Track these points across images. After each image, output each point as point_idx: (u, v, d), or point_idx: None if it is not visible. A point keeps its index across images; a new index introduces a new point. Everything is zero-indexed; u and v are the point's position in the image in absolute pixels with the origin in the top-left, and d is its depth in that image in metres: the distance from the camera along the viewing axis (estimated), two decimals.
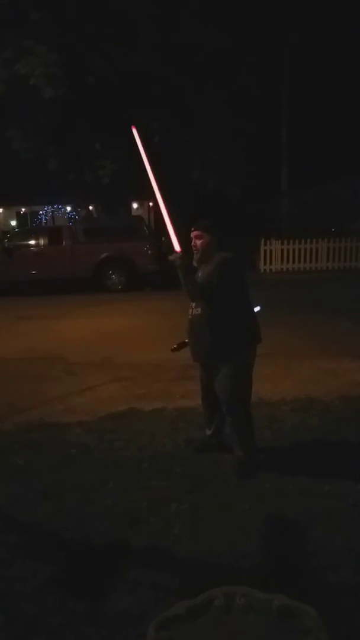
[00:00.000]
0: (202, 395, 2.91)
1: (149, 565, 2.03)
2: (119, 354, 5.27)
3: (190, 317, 2.69)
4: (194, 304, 2.65)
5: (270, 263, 12.74)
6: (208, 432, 2.95)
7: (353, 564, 1.98)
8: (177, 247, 2.52)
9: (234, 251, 2.65)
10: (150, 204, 17.44)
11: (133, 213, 16.62)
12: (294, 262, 12.70)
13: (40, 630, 1.74)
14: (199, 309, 2.61)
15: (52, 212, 18.14)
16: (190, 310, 2.68)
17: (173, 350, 2.80)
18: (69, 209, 18.02)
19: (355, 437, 3.06)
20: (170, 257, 2.53)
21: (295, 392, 3.88)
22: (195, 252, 2.66)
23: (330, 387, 3.99)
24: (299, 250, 12.64)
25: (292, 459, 2.81)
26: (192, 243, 2.67)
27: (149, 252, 10.47)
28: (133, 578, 1.95)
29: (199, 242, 2.64)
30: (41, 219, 18.17)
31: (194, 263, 2.66)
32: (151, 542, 2.17)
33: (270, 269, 12.71)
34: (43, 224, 17.50)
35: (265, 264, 12.71)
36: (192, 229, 2.67)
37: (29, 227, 17.03)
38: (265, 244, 12.68)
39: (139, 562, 2.05)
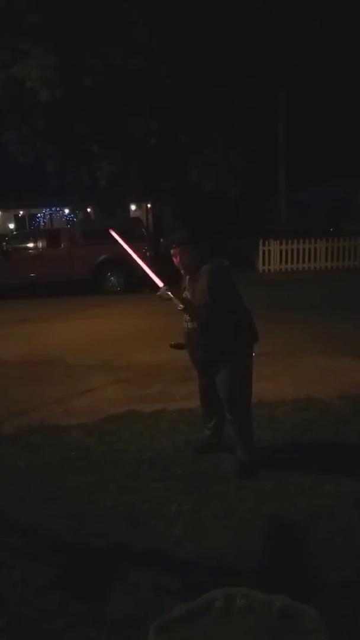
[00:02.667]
0: (201, 396, 2.92)
1: (149, 567, 2.03)
2: (118, 356, 5.26)
3: (185, 330, 2.68)
4: (187, 317, 2.62)
5: (269, 263, 12.74)
6: (207, 432, 2.95)
7: (354, 564, 1.98)
8: (159, 282, 2.57)
9: (215, 255, 2.66)
10: (149, 205, 17.45)
11: (131, 215, 16.62)
12: (292, 262, 12.70)
13: (42, 633, 1.74)
14: (195, 323, 2.59)
15: (50, 214, 18.13)
16: (185, 324, 2.66)
17: (171, 346, 2.79)
18: (67, 211, 18.01)
19: (355, 436, 3.06)
20: (158, 293, 2.55)
21: (295, 391, 3.88)
22: (181, 270, 2.63)
23: (330, 386, 3.99)
24: (298, 250, 12.64)
25: (292, 459, 2.81)
26: (179, 262, 2.61)
27: (147, 253, 10.47)
28: (134, 580, 1.95)
29: (184, 259, 2.58)
30: (39, 221, 18.18)
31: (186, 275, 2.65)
32: (152, 543, 2.17)
33: (269, 269, 12.71)
34: (41, 227, 17.50)
35: (263, 264, 12.71)
36: (174, 248, 2.61)
37: (27, 229, 17.03)
38: (263, 245, 12.68)
39: (140, 563, 2.05)
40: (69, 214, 17.92)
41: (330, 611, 1.62)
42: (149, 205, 17.61)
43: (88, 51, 9.67)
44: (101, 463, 2.90)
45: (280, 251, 12.69)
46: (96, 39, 9.57)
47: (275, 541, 2.19)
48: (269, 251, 12.72)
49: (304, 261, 12.69)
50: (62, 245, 10.63)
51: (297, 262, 12.69)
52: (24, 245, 10.80)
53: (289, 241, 12.66)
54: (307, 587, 1.82)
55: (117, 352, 5.48)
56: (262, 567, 1.99)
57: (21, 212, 18.81)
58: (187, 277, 2.67)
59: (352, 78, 13.85)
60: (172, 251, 2.63)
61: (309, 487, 2.51)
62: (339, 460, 2.78)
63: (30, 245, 10.77)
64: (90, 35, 9.52)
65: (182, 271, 2.67)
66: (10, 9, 9.00)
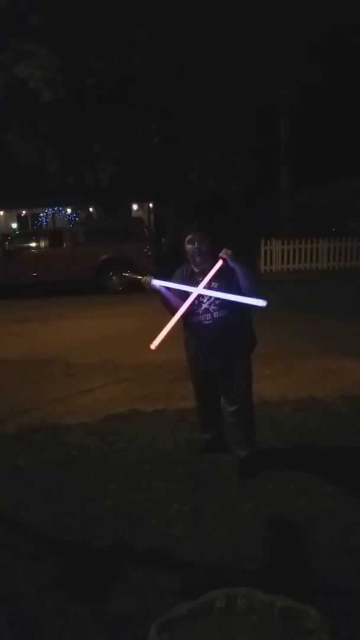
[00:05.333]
0: (202, 402, 2.85)
1: (150, 566, 2.03)
2: (119, 355, 5.27)
3: (209, 322, 2.53)
4: (213, 307, 2.52)
5: (271, 263, 12.72)
6: (206, 437, 2.93)
7: (355, 565, 1.97)
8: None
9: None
10: (151, 205, 17.45)
11: (133, 214, 16.63)
12: (294, 262, 12.68)
13: (42, 632, 1.74)
14: (222, 312, 2.51)
15: (53, 214, 18.15)
16: (209, 315, 2.53)
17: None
18: (69, 211, 18.04)
19: (357, 437, 3.05)
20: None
21: (296, 392, 3.87)
22: (197, 258, 2.54)
23: (332, 387, 3.98)
24: (300, 250, 12.62)
25: (293, 459, 2.80)
26: (196, 248, 2.53)
27: (150, 253, 10.47)
28: (135, 579, 1.95)
29: (203, 245, 2.54)
30: (42, 221, 18.20)
31: (195, 269, 2.59)
32: (153, 543, 2.17)
33: (271, 269, 12.69)
34: (44, 226, 17.53)
35: (265, 264, 12.69)
36: (193, 233, 2.54)
37: (29, 229, 17.05)
38: (265, 244, 12.67)
39: (141, 563, 2.05)
40: (71, 213, 17.93)
41: (332, 612, 1.62)
42: (150, 205, 17.62)
43: (90, 51, 9.69)
44: (102, 462, 2.90)
45: (282, 251, 12.68)
46: (98, 38, 9.58)
47: (276, 541, 2.19)
48: (271, 251, 12.70)
49: (306, 261, 12.66)
50: (64, 244, 10.64)
51: (299, 262, 12.67)
52: (26, 245, 10.81)
53: (291, 241, 12.64)
54: (308, 587, 1.82)
55: (118, 351, 5.48)
56: (263, 567, 1.99)
57: (24, 212, 18.86)
58: (197, 271, 2.58)
59: (355, 77, 13.80)
60: (189, 237, 2.55)
61: (310, 488, 2.50)
62: (340, 460, 2.78)
63: (33, 244, 10.79)
64: (92, 35, 9.53)
65: (196, 261, 2.55)
66: (12, 10, 9.02)
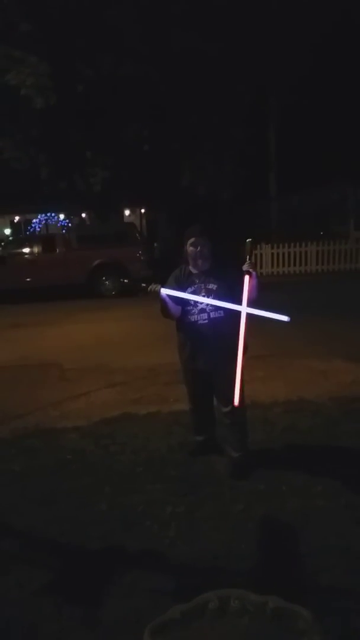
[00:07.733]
0: (195, 404, 2.87)
1: (144, 569, 2.04)
2: (113, 359, 5.27)
3: (205, 321, 2.57)
4: (209, 307, 2.56)
5: (261, 267, 12.79)
6: (199, 439, 2.95)
7: (346, 565, 2.00)
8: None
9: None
10: (143, 210, 17.47)
11: (125, 219, 16.64)
12: (284, 265, 12.80)
13: (37, 637, 1.74)
14: (218, 313, 2.54)
15: (46, 220, 18.12)
16: (205, 315, 2.57)
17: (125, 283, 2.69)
18: (61, 216, 18.01)
19: (346, 437, 3.09)
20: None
21: (287, 393, 3.90)
22: (199, 261, 2.59)
23: (322, 388, 4.02)
24: (289, 253, 12.75)
25: (284, 460, 2.83)
26: (199, 251, 2.58)
27: (142, 257, 10.50)
28: (129, 582, 1.96)
29: (205, 249, 2.59)
30: (34, 227, 18.15)
31: (194, 270, 2.63)
32: (147, 545, 2.18)
33: (261, 273, 12.76)
34: (36, 232, 17.48)
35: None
36: (197, 237, 2.58)
37: (22, 235, 17.00)
38: (255, 248, 12.76)
39: (135, 566, 2.06)
40: (64, 219, 17.91)
41: (323, 612, 1.63)
42: (142, 211, 17.65)
43: (80, 58, 9.74)
44: (96, 466, 2.91)
45: (272, 255, 12.78)
46: (88, 46, 9.64)
47: (268, 542, 2.21)
48: (261, 255, 12.80)
49: (295, 264, 12.78)
50: (58, 250, 10.65)
51: (288, 265, 12.79)
52: (19, 251, 10.81)
53: (280, 245, 12.77)
54: (300, 587, 1.84)
55: (112, 355, 5.49)
56: (256, 568, 2.01)
57: (17, 218, 18.81)
58: (194, 272, 2.62)
59: (342, 83, 13.97)
60: (192, 240, 2.58)
61: (302, 488, 2.53)
62: (330, 461, 2.81)
63: (26, 250, 10.79)
64: (81, 43, 9.59)
65: (197, 263, 2.59)
66: (3, 17, 9.06)
